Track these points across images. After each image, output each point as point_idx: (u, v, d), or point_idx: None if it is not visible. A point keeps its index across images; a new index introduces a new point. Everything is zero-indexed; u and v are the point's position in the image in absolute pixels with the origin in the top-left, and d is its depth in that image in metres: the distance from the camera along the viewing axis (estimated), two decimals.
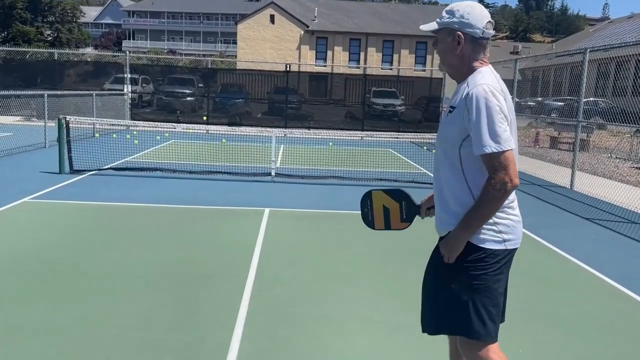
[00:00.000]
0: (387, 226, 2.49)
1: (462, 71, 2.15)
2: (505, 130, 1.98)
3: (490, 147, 1.96)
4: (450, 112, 2.13)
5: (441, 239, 2.19)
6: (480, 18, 2.09)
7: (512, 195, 2.12)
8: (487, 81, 2.04)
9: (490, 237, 2.09)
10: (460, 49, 2.12)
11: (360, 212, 2.52)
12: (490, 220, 2.08)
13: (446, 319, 2.16)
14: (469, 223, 2.05)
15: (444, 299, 2.15)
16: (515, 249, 2.16)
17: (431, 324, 2.24)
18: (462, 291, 2.10)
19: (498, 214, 2.08)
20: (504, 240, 2.10)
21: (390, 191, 2.47)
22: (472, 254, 2.09)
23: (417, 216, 2.48)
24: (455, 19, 2.11)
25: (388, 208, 2.46)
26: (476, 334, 2.10)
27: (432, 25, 2.19)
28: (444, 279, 2.16)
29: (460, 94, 2.09)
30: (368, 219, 2.51)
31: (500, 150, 1.96)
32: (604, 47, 10.19)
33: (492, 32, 2.13)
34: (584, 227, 6.82)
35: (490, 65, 2.16)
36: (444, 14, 2.15)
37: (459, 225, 2.08)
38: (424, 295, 2.29)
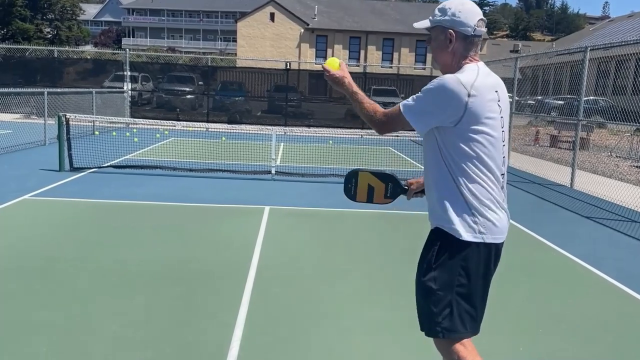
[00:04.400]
0: (370, 200, 2.53)
1: (452, 68, 2.17)
2: (422, 109, 2.08)
3: (402, 104, 2.13)
4: None
5: (431, 231, 2.20)
6: (472, 16, 2.11)
7: (495, 195, 2.10)
8: (458, 75, 2.07)
9: (463, 229, 2.08)
10: (452, 47, 2.14)
11: (343, 185, 2.56)
12: (470, 212, 2.07)
13: (420, 315, 2.20)
14: (356, 98, 2.28)
15: (418, 294, 2.19)
16: (494, 245, 2.13)
17: (423, 324, 2.23)
18: (432, 283, 2.11)
19: (477, 211, 2.07)
20: (481, 233, 2.08)
21: (377, 173, 2.52)
22: (445, 240, 2.10)
23: (402, 195, 2.54)
24: (447, 17, 2.13)
25: (373, 187, 2.51)
26: (442, 331, 2.12)
27: (425, 23, 2.21)
28: (420, 272, 2.18)
29: None
30: (350, 193, 2.55)
31: (401, 110, 2.11)
32: (605, 45, 10.17)
33: (484, 29, 2.14)
34: (584, 225, 6.82)
35: (479, 63, 2.16)
36: (436, 11, 2.18)
37: (355, 88, 2.29)
38: (416, 288, 2.29)
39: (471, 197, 2.07)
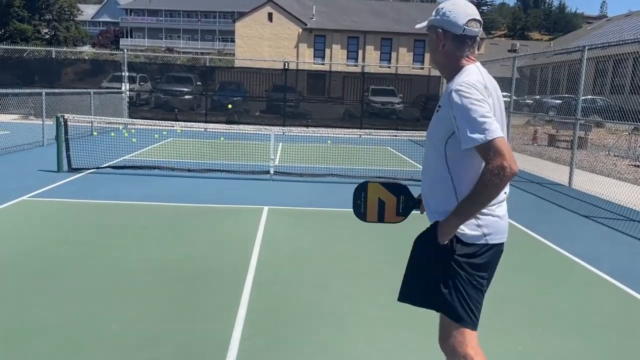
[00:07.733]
0: (381, 219, 2.38)
1: (449, 69, 2.16)
2: (492, 121, 1.93)
3: (479, 138, 1.91)
4: (437, 110, 2.15)
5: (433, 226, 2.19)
6: (462, 15, 2.10)
7: (501, 196, 2.11)
8: (469, 79, 2.03)
9: (469, 231, 2.08)
10: (441, 46, 2.15)
11: (352, 202, 2.40)
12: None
13: (434, 296, 2.16)
14: (464, 209, 2.00)
15: (433, 276, 2.15)
16: (498, 245, 2.14)
17: (415, 296, 2.26)
18: (449, 275, 2.11)
19: (480, 212, 2.06)
20: (484, 235, 2.09)
21: (388, 185, 2.37)
22: (456, 244, 2.10)
23: (415, 210, 2.41)
24: (438, 17, 2.16)
25: (384, 201, 2.36)
26: (458, 318, 2.12)
27: (424, 23, 2.25)
28: (432, 257, 2.16)
29: (446, 92, 2.09)
30: (360, 211, 2.39)
31: (491, 138, 1.90)
32: (602, 44, 10.20)
33: (477, 30, 2.12)
34: (582, 224, 6.83)
35: (477, 63, 2.16)
36: (433, 12, 2.21)
37: (453, 211, 2.03)
38: (411, 265, 2.29)
39: None
